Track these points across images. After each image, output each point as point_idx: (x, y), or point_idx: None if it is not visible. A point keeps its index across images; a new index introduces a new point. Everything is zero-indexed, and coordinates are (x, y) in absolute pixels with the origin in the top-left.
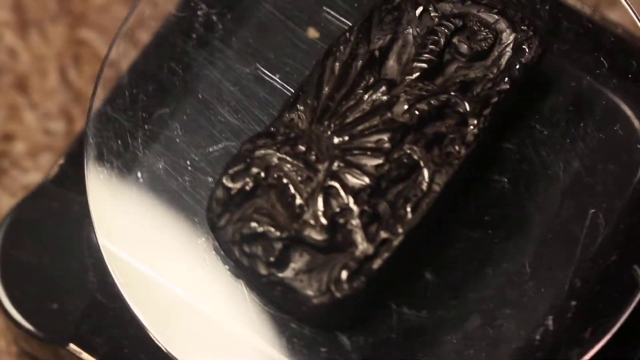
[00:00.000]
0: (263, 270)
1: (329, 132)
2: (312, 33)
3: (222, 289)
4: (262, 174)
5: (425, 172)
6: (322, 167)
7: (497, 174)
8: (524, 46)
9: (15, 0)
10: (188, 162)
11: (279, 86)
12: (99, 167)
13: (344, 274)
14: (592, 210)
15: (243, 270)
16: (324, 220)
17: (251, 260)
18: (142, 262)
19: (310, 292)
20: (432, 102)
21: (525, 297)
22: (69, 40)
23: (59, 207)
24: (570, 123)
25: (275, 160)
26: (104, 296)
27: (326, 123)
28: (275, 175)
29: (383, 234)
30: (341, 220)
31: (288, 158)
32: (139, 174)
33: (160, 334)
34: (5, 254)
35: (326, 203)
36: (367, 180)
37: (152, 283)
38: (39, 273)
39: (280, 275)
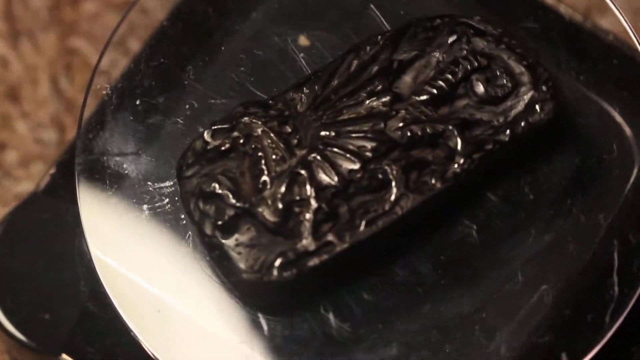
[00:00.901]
0: (208, 230)
1: (319, 123)
2: (303, 41)
3: (213, 297)
4: (242, 140)
5: (394, 192)
6: (299, 153)
7: (468, 219)
8: (537, 106)
9: (6, 9)
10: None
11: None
12: (90, 177)
13: (278, 261)
14: (544, 287)
15: (192, 224)
16: (280, 204)
17: (201, 217)
18: (133, 271)
19: (242, 266)
20: (427, 128)
21: (445, 348)
22: (60, 50)
23: (50, 217)
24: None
25: (258, 131)
26: (96, 306)
27: (320, 113)
28: (253, 146)
29: (330, 237)
30: (297, 209)
31: (271, 134)
32: (130, 183)
33: (153, 343)
34: None
35: (289, 188)
36: (336, 180)
37: (143, 292)
38: (31, 283)
39: (223, 240)
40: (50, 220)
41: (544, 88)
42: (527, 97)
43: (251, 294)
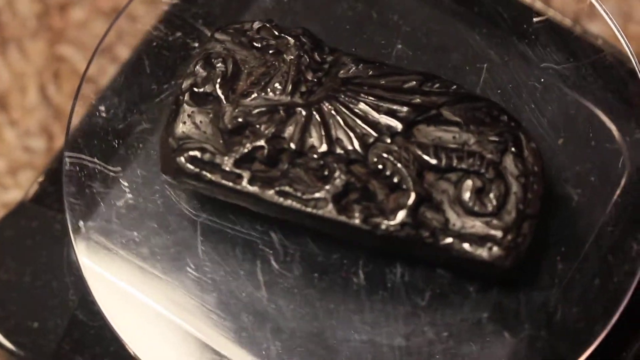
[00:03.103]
0: (184, 85)
1: (338, 93)
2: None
3: (204, 306)
4: (273, 47)
5: (320, 191)
6: (300, 99)
7: (395, 267)
8: (490, 244)
9: None
10: (166, 179)
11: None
12: (78, 185)
13: (190, 154)
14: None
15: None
16: (241, 119)
17: (189, 74)
18: (122, 279)
19: (176, 130)
20: (396, 173)
21: None
22: (49, 57)
23: (38, 225)
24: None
25: (290, 53)
26: (85, 314)
27: (345, 88)
28: (274, 61)
29: (244, 173)
30: (247, 134)
31: (296, 63)
32: (118, 191)
33: (142, 352)
34: None
35: (261, 114)
36: (311, 141)
37: (132, 301)
38: (19, 291)
39: (185, 103)
40: (38, 229)
41: (508, 236)
42: (490, 231)
43: (165, 163)
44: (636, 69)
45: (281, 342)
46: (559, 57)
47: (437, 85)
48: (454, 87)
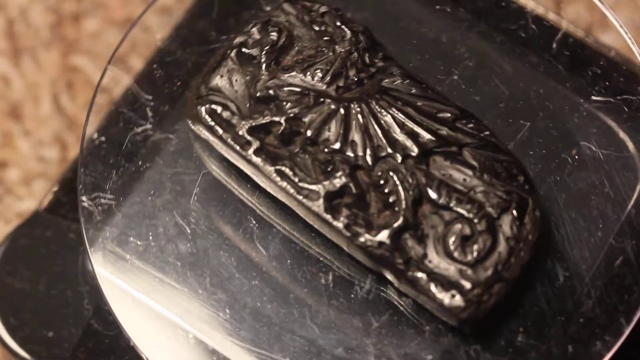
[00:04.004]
0: (236, 40)
1: (377, 101)
2: None
3: (217, 315)
4: (329, 34)
5: (339, 178)
6: (333, 91)
7: (365, 282)
8: (455, 291)
9: (7, 27)
10: (181, 188)
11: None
12: (92, 194)
13: (205, 107)
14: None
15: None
16: (272, 91)
17: (241, 33)
18: (137, 289)
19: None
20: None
21: None
22: (62, 67)
23: (53, 235)
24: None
25: (342, 46)
26: (100, 323)
27: (382, 98)
28: (326, 48)
29: (255, 143)
30: (272, 106)
31: (345, 59)
32: (133, 200)
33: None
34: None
35: (293, 94)
36: (331, 137)
37: (147, 310)
38: (34, 301)
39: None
40: (53, 238)
41: (475, 291)
42: (460, 279)
43: (190, 107)
44: None
45: (231, 310)
46: (571, 69)
47: (470, 125)
48: (487, 132)
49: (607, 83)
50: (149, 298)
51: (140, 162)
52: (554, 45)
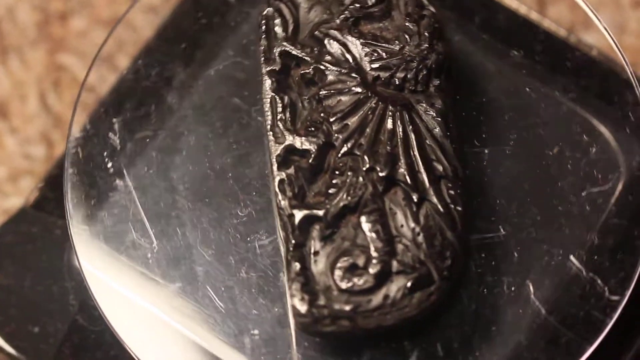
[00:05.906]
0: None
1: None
2: None
3: (203, 310)
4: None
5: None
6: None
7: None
8: (306, 302)
9: None
10: (167, 185)
11: (254, 114)
12: (78, 191)
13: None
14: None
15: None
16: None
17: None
18: (123, 284)
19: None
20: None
21: None
22: (49, 66)
23: (39, 231)
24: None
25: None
26: (85, 319)
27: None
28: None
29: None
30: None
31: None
32: (118, 197)
33: (143, 356)
34: None
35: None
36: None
37: (133, 305)
38: (20, 296)
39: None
40: (39, 235)
41: (323, 311)
42: (318, 294)
43: None
44: (631, 79)
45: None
46: (553, 68)
47: (450, 191)
48: (459, 208)
49: (589, 82)
50: (134, 293)
51: (125, 160)
52: (537, 45)
